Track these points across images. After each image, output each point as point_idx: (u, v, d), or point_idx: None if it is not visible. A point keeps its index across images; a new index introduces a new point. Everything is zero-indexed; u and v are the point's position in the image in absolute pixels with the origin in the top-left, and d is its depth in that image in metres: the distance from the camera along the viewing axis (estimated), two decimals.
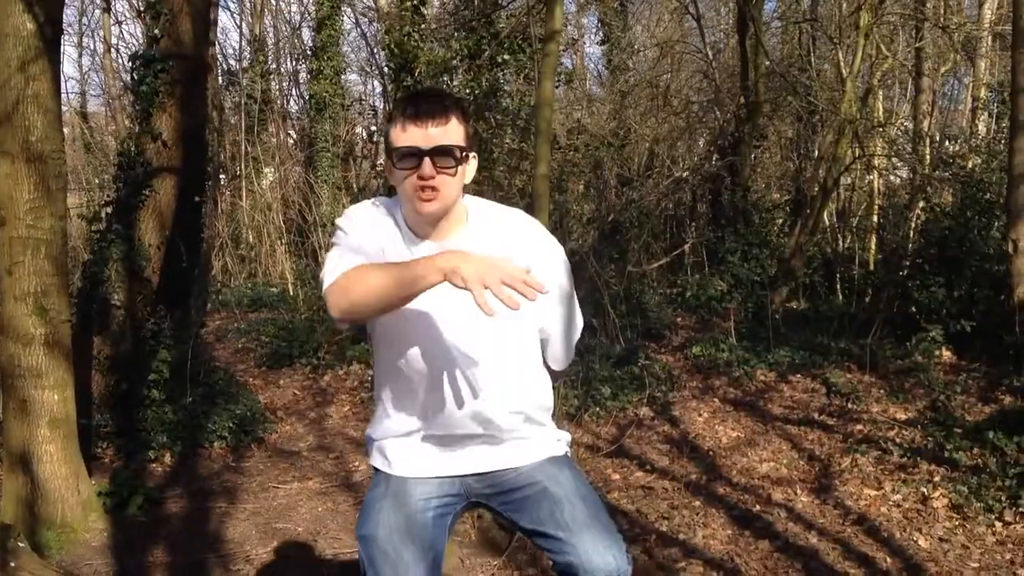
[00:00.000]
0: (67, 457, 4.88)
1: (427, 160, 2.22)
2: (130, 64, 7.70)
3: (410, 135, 2.24)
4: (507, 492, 2.46)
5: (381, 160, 18.09)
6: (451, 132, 2.26)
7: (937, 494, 5.31)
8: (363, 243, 2.32)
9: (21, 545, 4.15)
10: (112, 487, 5.42)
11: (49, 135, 4.70)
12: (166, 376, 6.79)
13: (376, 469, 2.53)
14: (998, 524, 4.91)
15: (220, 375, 7.82)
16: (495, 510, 2.53)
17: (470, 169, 2.36)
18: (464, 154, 2.30)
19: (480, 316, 2.13)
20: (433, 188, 2.24)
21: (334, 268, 2.27)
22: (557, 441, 2.54)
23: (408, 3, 13.65)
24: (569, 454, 2.58)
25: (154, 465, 6.41)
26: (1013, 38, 8.05)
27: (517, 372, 2.45)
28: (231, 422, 6.90)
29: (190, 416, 6.80)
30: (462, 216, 2.39)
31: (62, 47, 5.07)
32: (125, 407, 6.65)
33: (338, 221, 2.41)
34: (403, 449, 2.46)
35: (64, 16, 5.06)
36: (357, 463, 6.53)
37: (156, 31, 6.94)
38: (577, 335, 2.65)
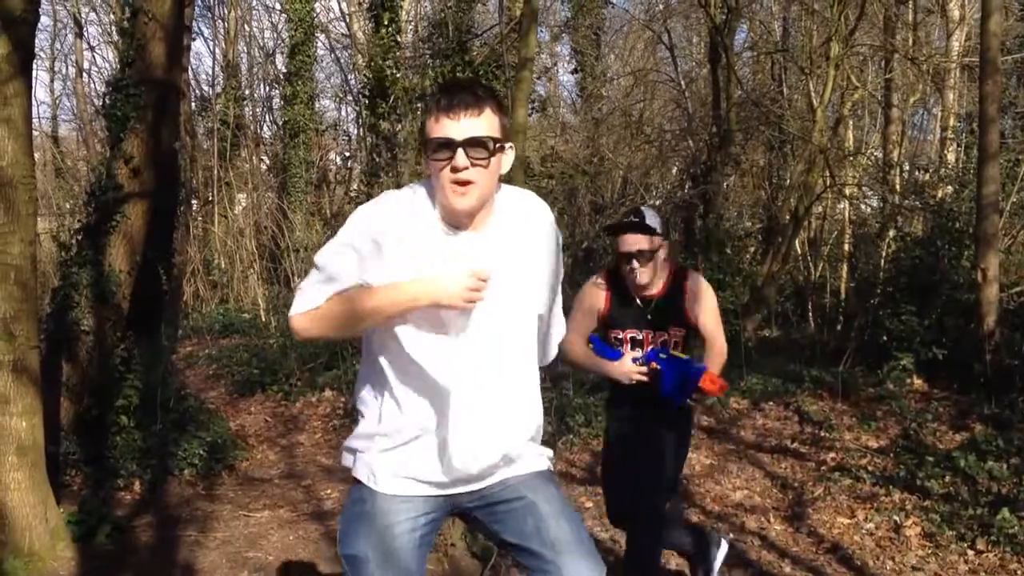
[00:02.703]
0: (35, 485, 4.80)
1: (460, 151, 2.23)
2: (104, 89, 7.68)
3: (443, 126, 2.25)
4: (493, 504, 2.44)
5: (355, 186, 18.11)
6: (484, 123, 2.27)
7: (910, 522, 5.32)
8: (359, 255, 2.32)
9: None
10: (80, 515, 5.34)
11: (20, 160, 4.65)
12: (136, 403, 6.71)
13: (358, 481, 2.46)
14: (970, 552, 4.93)
15: (191, 401, 7.73)
16: (476, 519, 2.51)
17: (506, 160, 2.37)
18: (498, 145, 2.30)
19: (491, 340, 2.34)
20: (467, 181, 2.25)
21: (312, 294, 2.37)
22: (540, 456, 2.53)
23: (383, 30, 13.69)
24: (551, 469, 2.57)
25: (123, 493, 6.33)
26: (980, 70, 8.17)
27: (527, 399, 2.46)
28: (201, 449, 6.83)
29: (160, 443, 6.72)
30: (493, 204, 2.41)
31: (34, 72, 5.04)
32: (94, 434, 6.56)
33: (371, 218, 2.36)
34: (392, 465, 2.41)
35: (36, 41, 5.03)
36: (328, 491, 6.47)
37: (129, 56, 6.91)
38: (562, 331, 2.73)
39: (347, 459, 2.53)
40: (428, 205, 2.36)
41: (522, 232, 2.43)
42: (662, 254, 3.87)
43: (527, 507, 2.40)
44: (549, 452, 2.58)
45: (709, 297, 3.95)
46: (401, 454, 2.40)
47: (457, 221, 2.34)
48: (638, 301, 3.92)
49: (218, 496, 6.41)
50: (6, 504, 4.71)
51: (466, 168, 2.24)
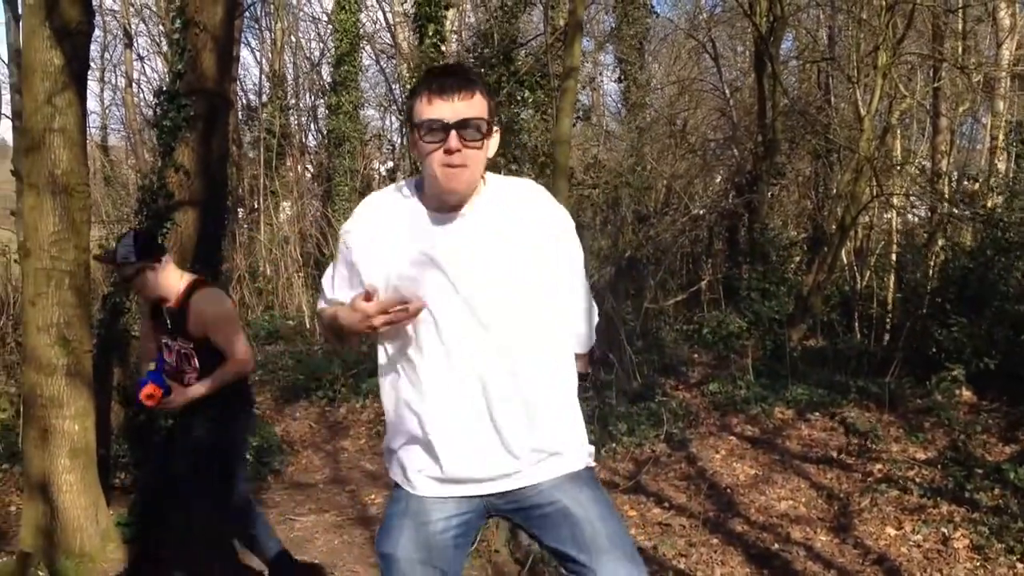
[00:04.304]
0: (86, 487, 4.89)
1: (454, 133, 2.22)
2: (154, 99, 7.78)
3: (436, 108, 2.24)
4: (528, 509, 2.39)
5: None
6: (476, 106, 2.27)
7: (958, 535, 5.26)
8: (358, 261, 2.39)
9: (41, 574, 4.17)
10: (130, 517, 5.42)
11: (74, 168, 4.75)
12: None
13: (396, 484, 2.47)
14: (1020, 565, 4.87)
15: None
16: (519, 525, 2.48)
17: (493, 143, 2.36)
18: (489, 128, 2.30)
19: (513, 338, 2.30)
20: (460, 164, 2.24)
21: (321, 298, 2.59)
22: (576, 455, 2.43)
23: (428, 40, 13.78)
24: (592, 466, 2.48)
25: None
26: None
27: (539, 393, 2.36)
28: (248, 454, 6.88)
29: None
30: (480, 187, 2.39)
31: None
32: (144, 437, 6.66)
33: (342, 230, 2.46)
34: (410, 462, 2.40)
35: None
36: (373, 496, 6.52)
37: (179, 67, 7.01)
38: (595, 318, 2.65)
39: (386, 458, 2.54)
40: (413, 199, 2.38)
41: (511, 217, 2.37)
42: (153, 274, 4.08)
43: (560, 512, 2.34)
44: (590, 448, 2.48)
45: (212, 312, 4.11)
46: (410, 452, 2.40)
47: (445, 206, 2.33)
48: (164, 310, 4.17)
49: (264, 500, 6.48)
50: (58, 506, 4.80)
51: (459, 150, 2.23)
